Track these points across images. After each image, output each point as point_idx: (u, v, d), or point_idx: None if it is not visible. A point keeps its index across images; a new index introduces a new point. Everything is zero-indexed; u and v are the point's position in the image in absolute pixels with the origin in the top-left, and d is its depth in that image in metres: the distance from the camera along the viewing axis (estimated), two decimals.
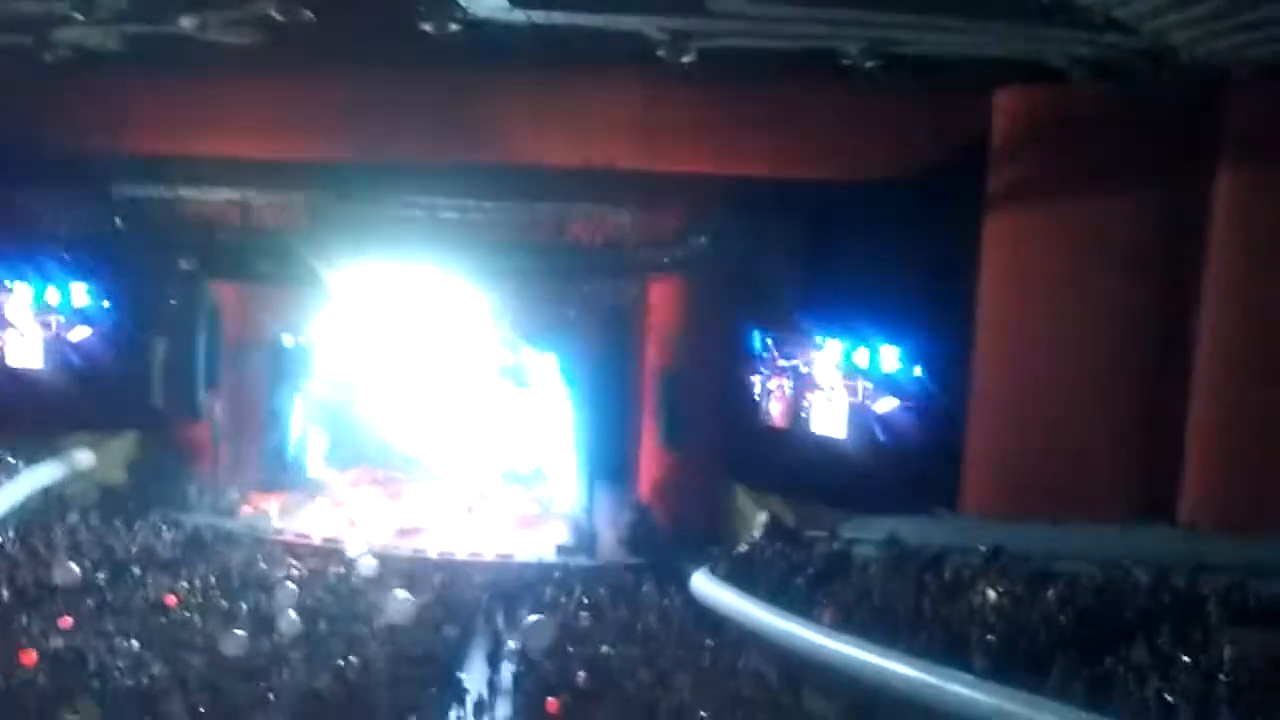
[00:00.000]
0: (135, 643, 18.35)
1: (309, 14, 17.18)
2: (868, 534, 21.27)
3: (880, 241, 21.52)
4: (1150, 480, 19.94)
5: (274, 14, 17.23)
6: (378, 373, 30.66)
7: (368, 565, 22.90)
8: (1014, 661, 15.10)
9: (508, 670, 19.77)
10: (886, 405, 23.16)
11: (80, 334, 26.68)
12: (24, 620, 19.16)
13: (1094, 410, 20.29)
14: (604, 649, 19.42)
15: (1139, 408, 20.32)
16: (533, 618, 18.95)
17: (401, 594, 20.49)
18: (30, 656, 17.52)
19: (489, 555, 25.99)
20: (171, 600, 20.46)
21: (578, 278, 26.75)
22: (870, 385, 23.38)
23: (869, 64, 17.96)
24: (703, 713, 16.46)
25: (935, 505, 21.41)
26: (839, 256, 22.02)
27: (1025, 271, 21.31)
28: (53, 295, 26.61)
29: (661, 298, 27.34)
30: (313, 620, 20.10)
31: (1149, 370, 20.20)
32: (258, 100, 23.43)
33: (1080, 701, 13.67)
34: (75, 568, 19.62)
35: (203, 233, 26.11)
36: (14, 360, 26.26)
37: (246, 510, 27.90)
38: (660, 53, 18.13)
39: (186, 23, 18.13)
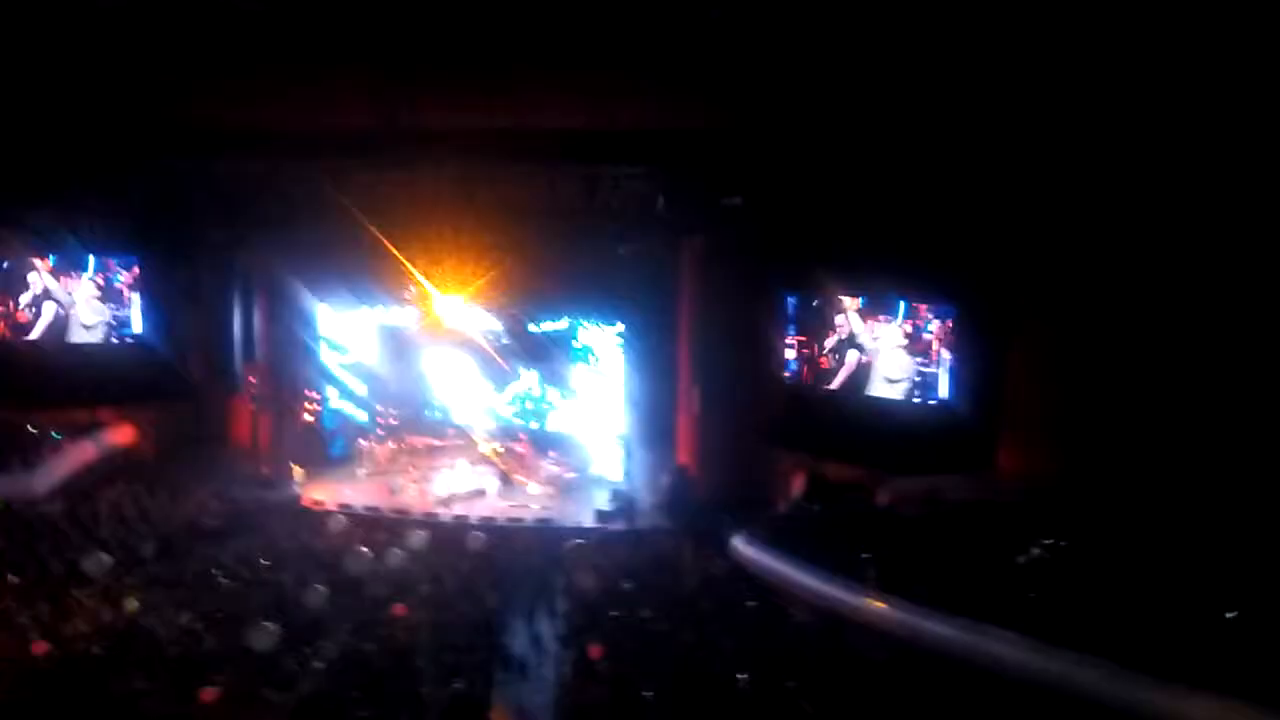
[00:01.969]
0: (186, 614, 18.70)
1: None
2: (908, 492, 21.26)
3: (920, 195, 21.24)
4: None
5: None
6: (415, 341, 30.72)
7: (415, 536, 23.01)
8: (1057, 619, 15.13)
9: (551, 635, 19.96)
10: (927, 363, 22.96)
11: (116, 308, 26.83)
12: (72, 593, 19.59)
13: None
14: (645, 613, 19.52)
15: None
16: (573, 542, 18.78)
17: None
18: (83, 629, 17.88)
19: (529, 521, 26.14)
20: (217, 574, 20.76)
21: (607, 242, 26.69)
22: (910, 343, 23.18)
23: None
24: (744, 674, 16.56)
25: (975, 464, 21.28)
26: (877, 210, 21.70)
27: None
28: (87, 269, 26.79)
29: (695, 261, 27.22)
30: (356, 589, 20.34)
31: None
32: (286, 69, 23.33)
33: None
34: (107, 557, 19.76)
35: (238, 203, 26.16)
36: (49, 335, 26.44)
37: (293, 481, 28.12)
38: None
39: None
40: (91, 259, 26.49)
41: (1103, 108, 18.49)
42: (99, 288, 26.57)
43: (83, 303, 26.51)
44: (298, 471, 28.22)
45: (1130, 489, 17.79)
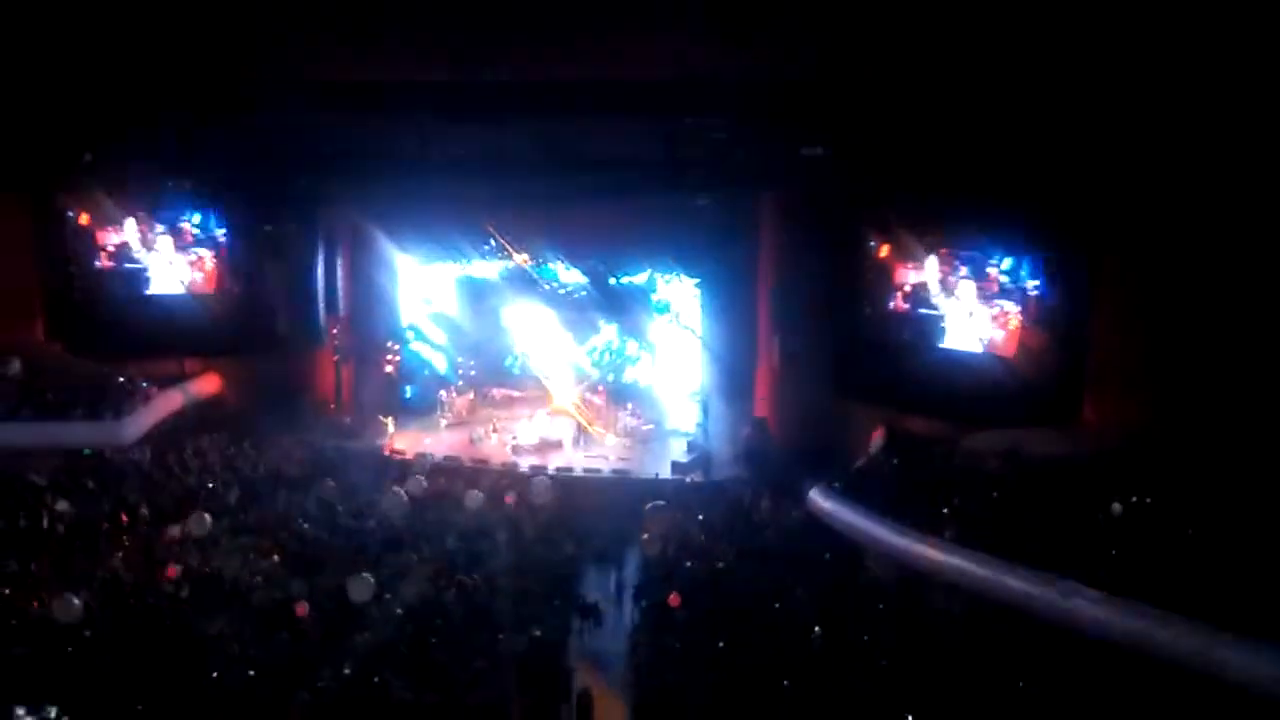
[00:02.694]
0: (273, 558, 19.17)
1: None
2: (989, 446, 20.89)
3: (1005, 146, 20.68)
4: None
5: None
6: (496, 293, 30.94)
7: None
8: (1139, 576, 14.81)
9: (628, 585, 20.09)
10: (1009, 318, 22.48)
11: (205, 262, 27.37)
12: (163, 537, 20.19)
13: None
14: (720, 564, 19.51)
15: None
16: (654, 503, 18.72)
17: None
18: (172, 571, 18.40)
19: (606, 472, 26.24)
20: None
21: (687, 194, 26.49)
22: (993, 298, 22.70)
23: None
24: (818, 627, 16.50)
25: (1059, 417, 20.83)
26: (960, 158, 21.17)
27: None
28: (178, 223, 27.28)
29: (775, 213, 26.92)
30: (439, 536, 20.63)
31: None
32: (370, 26, 23.38)
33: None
34: (208, 517, 20.21)
35: (323, 158, 26.42)
36: (138, 288, 27.10)
37: (378, 431, 28.58)
38: None
39: None
40: (183, 215, 27.07)
41: (1193, 44, 17.73)
42: (187, 242, 27.14)
43: (170, 256, 27.09)
44: (387, 422, 28.55)
45: (1221, 442, 17.26)
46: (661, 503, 19.28)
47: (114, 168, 26.12)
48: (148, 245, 26.83)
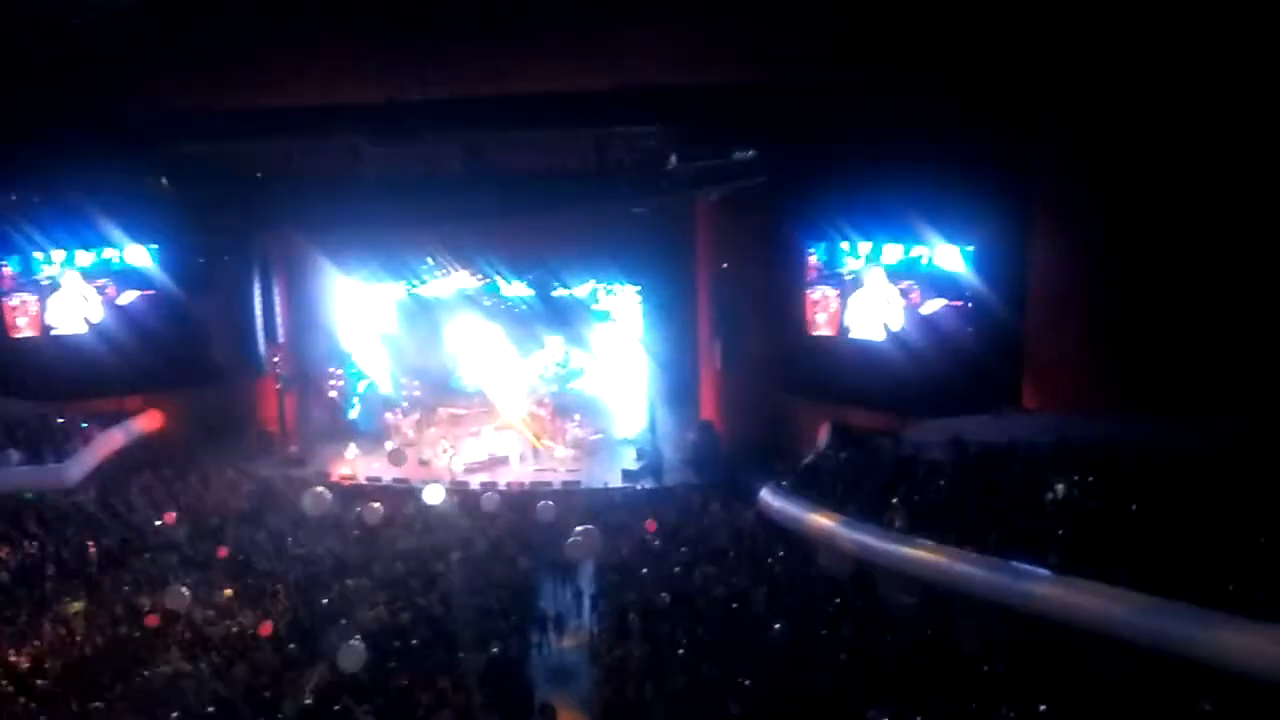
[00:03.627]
0: (225, 593, 18.98)
1: None
2: (932, 436, 21.21)
3: (928, 134, 21.00)
4: None
5: None
6: (438, 312, 30.84)
7: (436, 499, 23.02)
8: (1086, 555, 15.12)
9: (584, 594, 20.11)
10: (941, 306, 22.86)
11: (133, 296, 27.15)
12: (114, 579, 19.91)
13: None
14: (676, 569, 19.61)
15: None
16: (580, 528, 18.85)
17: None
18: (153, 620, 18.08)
19: (556, 484, 26.22)
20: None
21: (621, 202, 26.57)
22: (925, 287, 23.07)
23: None
24: (777, 624, 16.63)
25: (997, 404, 21.20)
26: (886, 156, 21.49)
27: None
28: (103, 259, 27.02)
29: (709, 216, 27.11)
30: (389, 561, 20.54)
31: None
32: (293, 48, 23.28)
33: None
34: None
35: (253, 185, 26.18)
36: (67, 327, 26.83)
37: (328, 459, 28.33)
38: None
39: None
40: (102, 251, 26.80)
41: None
42: (111, 279, 26.87)
43: (99, 294, 26.81)
44: (349, 447, 28.36)
45: (1159, 419, 17.64)
46: (589, 526, 19.50)
47: (35, 207, 25.80)
48: (67, 284, 26.63)
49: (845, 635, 16.36)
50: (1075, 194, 20.29)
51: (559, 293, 29.95)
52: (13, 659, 16.66)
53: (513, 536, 22.22)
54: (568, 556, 19.42)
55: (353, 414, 30.80)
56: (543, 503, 21.67)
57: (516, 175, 25.27)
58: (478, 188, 25.35)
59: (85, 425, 24.95)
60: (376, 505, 22.39)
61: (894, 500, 19.05)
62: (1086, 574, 14.70)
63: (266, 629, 17.17)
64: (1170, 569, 14.02)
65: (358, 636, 15.96)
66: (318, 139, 24.71)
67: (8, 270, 26.54)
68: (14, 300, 26.67)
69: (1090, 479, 17.15)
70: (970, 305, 22.53)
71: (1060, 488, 17.11)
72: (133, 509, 23.38)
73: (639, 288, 29.38)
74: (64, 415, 25.07)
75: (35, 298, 26.74)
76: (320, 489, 22.01)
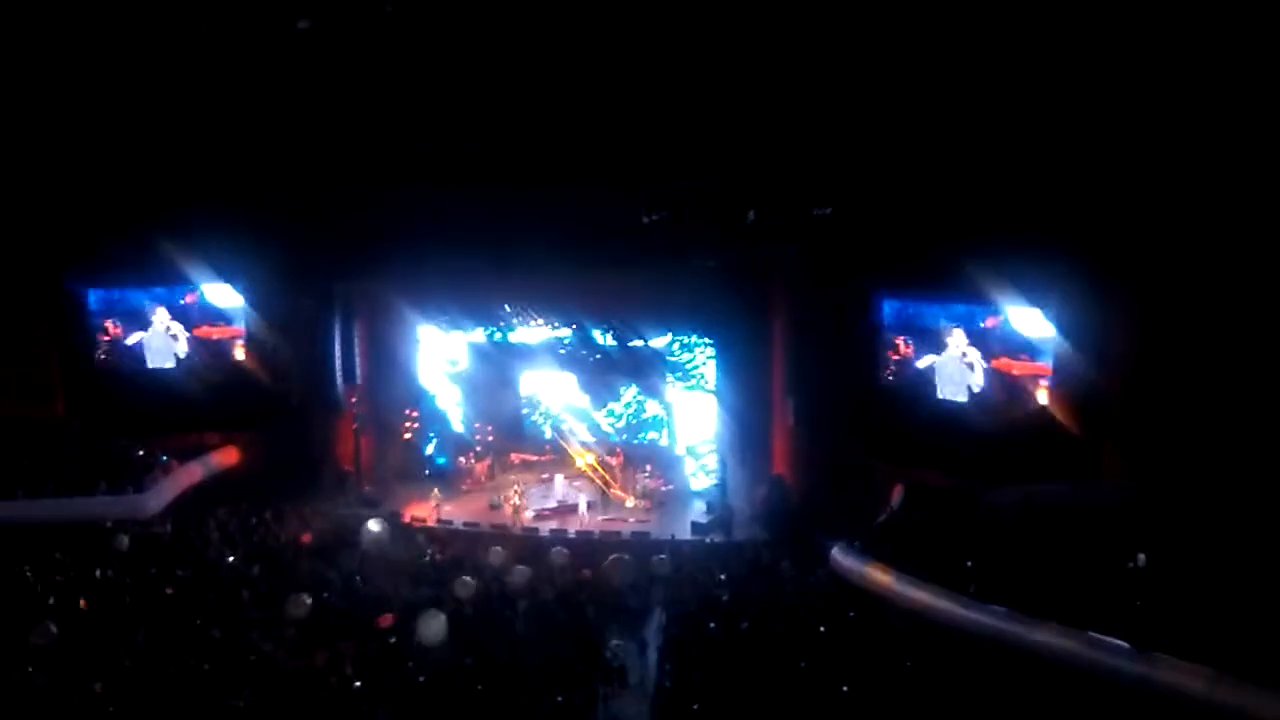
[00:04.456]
0: (292, 630, 19.17)
1: None
2: (1008, 500, 20.85)
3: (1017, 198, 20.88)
4: None
5: None
6: (514, 359, 31.16)
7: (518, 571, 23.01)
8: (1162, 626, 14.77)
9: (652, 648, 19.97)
10: (1025, 371, 22.59)
11: (216, 333, 27.86)
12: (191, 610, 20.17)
13: None
14: (743, 625, 19.41)
15: None
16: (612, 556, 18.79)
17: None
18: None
19: (625, 534, 26.16)
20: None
21: (698, 257, 26.68)
22: (1006, 349, 22.82)
23: None
24: (846, 686, 16.37)
25: (1078, 470, 20.82)
26: (973, 216, 21.36)
27: None
28: (188, 296, 27.78)
29: (787, 271, 27.11)
30: (457, 606, 20.60)
31: None
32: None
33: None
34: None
35: (337, 232, 26.78)
36: (153, 361, 27.63)
37: (404, 500, 28.55)
38: None
39: None
40: (194, 288, 27.57)
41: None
42: (202, 316, 27.58)
43: (185, 330, 27.54)
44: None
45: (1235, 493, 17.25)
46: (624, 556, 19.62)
47: (130, 244, 26.64)
48: (165, 321, 27.40)
49: (914, 698, 16.08)
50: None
51: (635, 343, 30.06)
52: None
53: (580, 585, 22.17)
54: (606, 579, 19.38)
55: (429, 450, 31.04)
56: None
57: (595, 228, 25.62)
58: (555, 241, 25.72)
59: (165, 459, 25.50)
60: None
61: (968, 564, 18.73)
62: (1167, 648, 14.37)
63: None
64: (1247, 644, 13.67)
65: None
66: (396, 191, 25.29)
67: (99, 303, 27.38)
68: (104, 333, 27.47)
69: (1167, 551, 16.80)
70: (1052, 369, 22.24)
71: (1141, 557, 16.75)
72: (208, 542, 23.72)
73: (713, 341, 29.39)
74: (145, 448, 25.67)
75: (122, 330, 27.55)
76: (379, 526, 22.40)
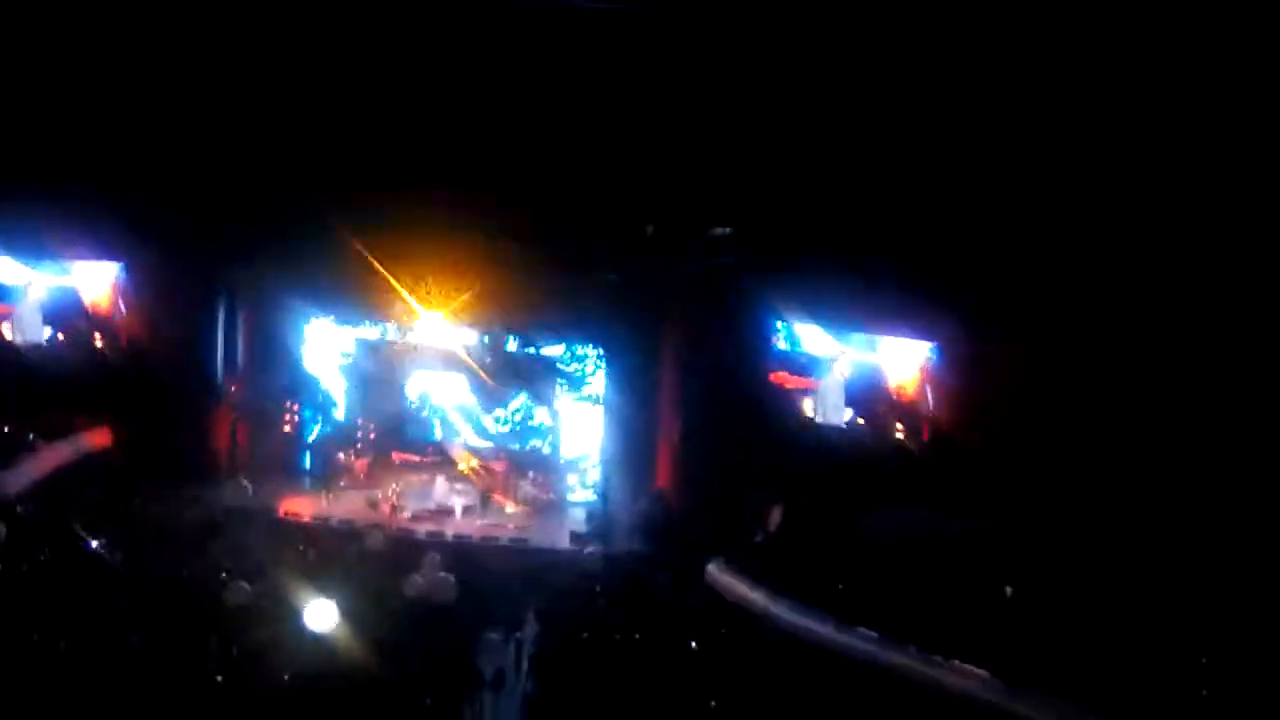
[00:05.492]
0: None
1: None
2: (885, 525, 21.31)
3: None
4: None
5: None
6: (400, 357, 30.69)
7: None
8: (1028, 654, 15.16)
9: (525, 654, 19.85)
10: (906, 397, 23.15)
11: (91, 313, 27.00)
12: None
13: None
14: (616, 636, 19.44)
15: None
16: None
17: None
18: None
19: (504, 540, 26.06)
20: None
21: (595, 267, 26.78)
22: (889, 377, 23.36)
23: None
24: (714, 701, 16.49)
25: (960, 497, 21.36)
26: (865, 244, 21.88)
27: None
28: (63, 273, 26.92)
29: (682, 286, 27.29)
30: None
31: None
32: None
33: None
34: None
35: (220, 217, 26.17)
36: (25, 339, 26.68)
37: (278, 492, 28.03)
38: None
39: None
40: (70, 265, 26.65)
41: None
42: (75, 294, 26.67)
43: (56, 308, 26.62)
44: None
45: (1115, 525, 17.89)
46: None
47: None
48: (35, 297, 26.47)
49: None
50: None
51: (527, 349, 29.95)
52: None
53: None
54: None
55: (305, 451, 30.46)
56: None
57: (490, 230, 25.53)
58: (451, 239, 25.56)
59: (31, 437, 24.62)
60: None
61: (839, 586, 19.07)
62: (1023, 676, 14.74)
63: None
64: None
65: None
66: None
67: None
68: None
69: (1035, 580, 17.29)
70: (934, 398, 22.84)
71: (1008, 589, 17.23)
72: (71, 526, 22.91)
73: (603, 352, 29.45)
74: (12, 426, 24.76)
75: None
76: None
